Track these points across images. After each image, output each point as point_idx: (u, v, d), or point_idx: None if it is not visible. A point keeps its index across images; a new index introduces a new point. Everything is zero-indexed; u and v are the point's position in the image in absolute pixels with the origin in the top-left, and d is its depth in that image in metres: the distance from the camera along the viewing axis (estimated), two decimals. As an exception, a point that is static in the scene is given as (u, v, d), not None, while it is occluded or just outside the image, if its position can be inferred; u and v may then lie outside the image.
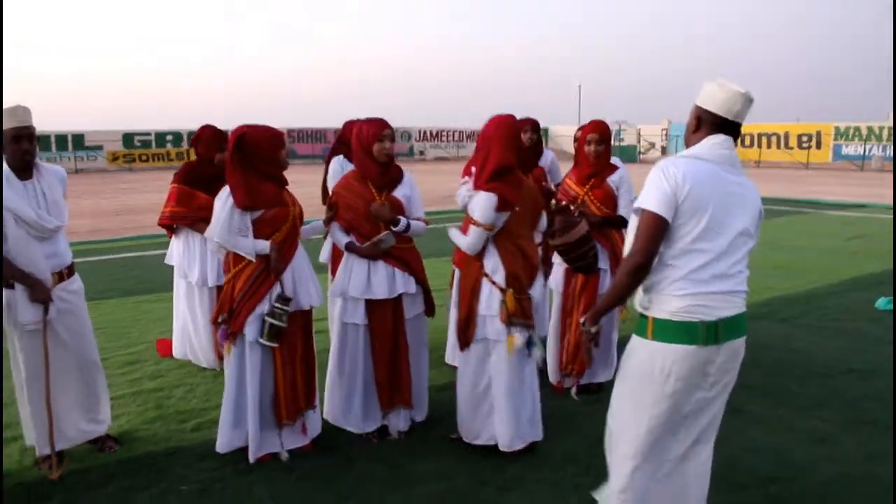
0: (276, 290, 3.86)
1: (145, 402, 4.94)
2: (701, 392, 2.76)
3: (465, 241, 3.85)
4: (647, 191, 2.70)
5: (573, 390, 4.93)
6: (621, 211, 4.77)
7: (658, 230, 2.65)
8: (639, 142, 42.82)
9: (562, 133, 47.53)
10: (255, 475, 3.84)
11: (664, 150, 42.75)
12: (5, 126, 3.67)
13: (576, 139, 5.07)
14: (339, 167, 5.11)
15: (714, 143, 2.73)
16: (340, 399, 4.26)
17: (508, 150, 3.78)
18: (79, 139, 33.37)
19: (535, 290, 3.93)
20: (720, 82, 2.76)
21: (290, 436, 4.06)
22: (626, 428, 2.88)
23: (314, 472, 3.88)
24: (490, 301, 3.84)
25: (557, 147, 46.91)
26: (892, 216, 13.00)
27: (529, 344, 3.83)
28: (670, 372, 2.70)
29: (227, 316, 3.88)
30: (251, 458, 3.93)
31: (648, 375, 2.74)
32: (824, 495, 3.60)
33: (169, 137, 35.28)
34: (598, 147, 4.71)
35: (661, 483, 2.89)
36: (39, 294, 3.73)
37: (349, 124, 5.07)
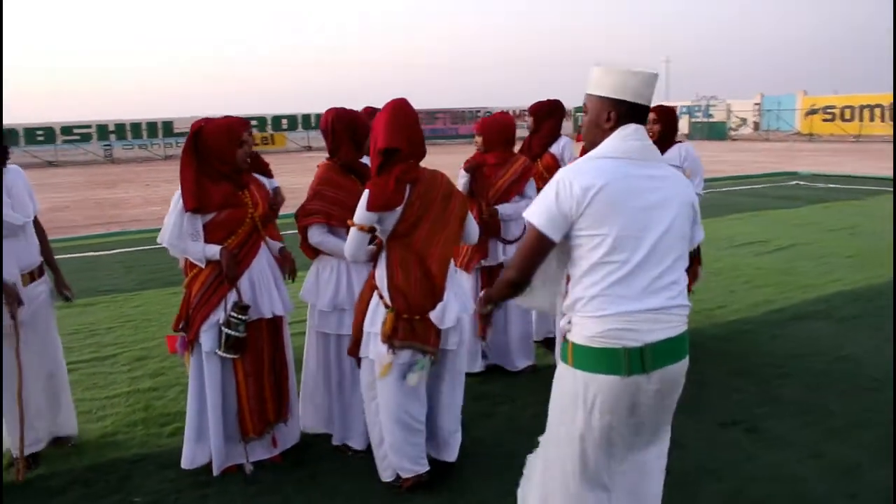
0: (233, 297, 3.61)
1: (136, 402, 4.83)
2: (633, 419, 2.40)
3: (346, 245, 3.42)
4: (538, 202, 2.39)
5: None
6: None
7: (540, 248, 2.37)
8: (728, 118, 40.95)
9: (649, 110, 46.12)
10: (213, 489, 3.64)
11: (756, 126, 40.86)
12: None
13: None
14: None
15: (621, 137, 2.38)
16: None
17: (392, 132, 3.29)
18: (168, 126, 34.45)
19: (435, 313, 3.36)
20: (607, 65, 2.43)
21: (256, 448, 3.84)
22: (557, 461, 2.51)
23: (275, 487, 3.65)
24: (374, 317, 3.40)
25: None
26: None
27: (413, 369, 3.37)
28: (594, 403, 2.35)
29: (185, 324, 3.68)
30: (215, 472, 3.73)
31: (572, 403, 2.40)
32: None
33: (254, 123, 36.10)
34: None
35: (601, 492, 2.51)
36: (10, 299, 3.66)
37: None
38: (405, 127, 3.31)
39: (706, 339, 5.61)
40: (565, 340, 2.43)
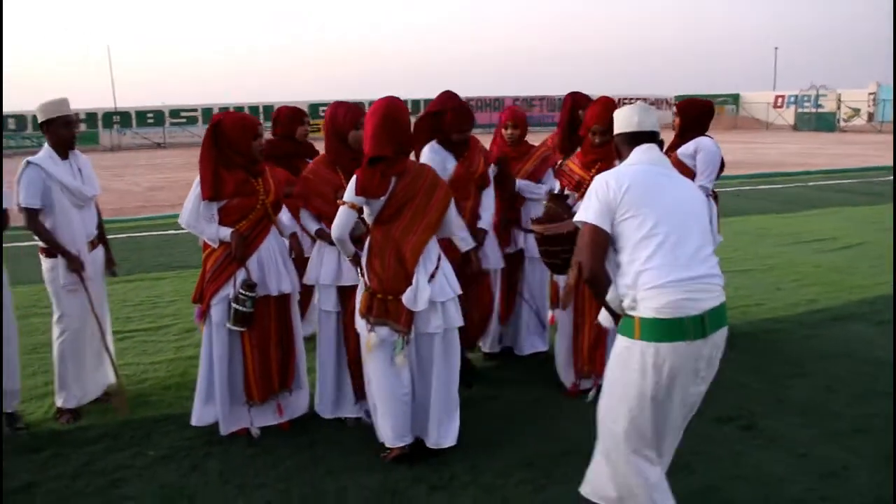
0: (242, 275, 3.94)
1: (176, 369, 5.29)
2: (692, 387, 2.79)
3: (334, 223, 3.68)
4: (584, 205, 2.86)
5: (591, 393, 4.60)
6: None
7: (598, 239, 2.79)
8: (839, 108, 38.97)
9: (755, 100, 44.45)
10: (217, 448, 4.01)
11: (871, 117, 38.73)
12: (57, 114, 4.36)
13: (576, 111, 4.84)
14: (439, 157, 4.47)
15: (639, 152, 2.95)
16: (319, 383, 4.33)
17: (382, 139, 3.57)
18: (269, 110, 35.72)
19: (407, 296, 3.59)
20: (618, 110, 3.11)
21: (261, 414, 4.17)
22: (620, 431, 2.82)
23: (272, 450, 3.97)
24: (359, 295, 3.71)
25: (750, 115, 43.96)
26: None
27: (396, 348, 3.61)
28: (663, 370, 2.68)
29: (200, 297, 4.04)
30: (222, 432, 4.09)
31: (639, 375, 2.72)
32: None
33: (324, 109, 36.96)
34: (604, 137, 4.35)
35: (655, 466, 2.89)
36: (73, 265, 4.31)
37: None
38: (393, 134, 3.58)
39: (731, 336, 5.57)
40: (630, 317, 2.73)
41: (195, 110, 35.28)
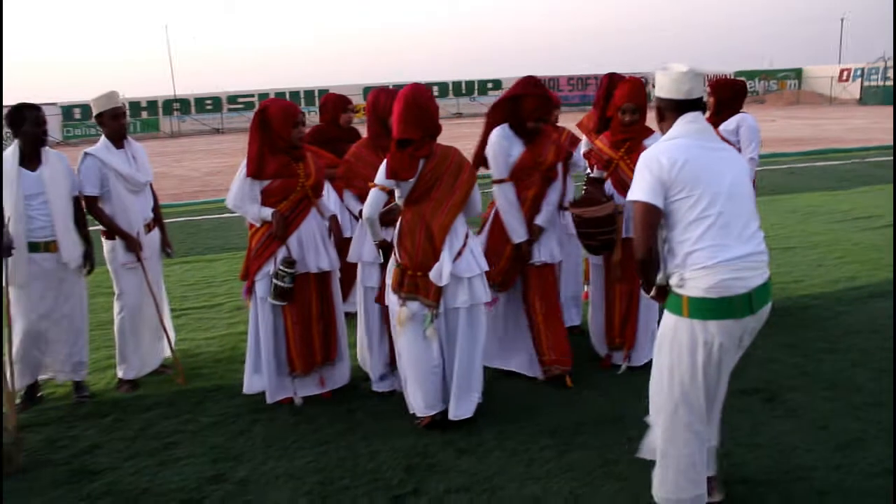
0: (282, 253, 4.21)
1: (227, 343, 5.63)
2: (733, 356, 2.95)
3: (365, 204, 3.94)
4: (636, 183, 2.89)
5: (623, 366, 4.77)
6: None
7: (651, 218, 2.83)
8: (908, 82, 37.57)
9: (818, 75, 43.17)
10: (263, 415, 4.31)
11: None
12: (106, 107, 4.72)
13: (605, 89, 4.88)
14: (507, 142, 4.41)
15: (684, 122, 2.92)
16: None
17: (410, 124, 3.78)
18: (323, 93, 36.23)
19: (433, 272, 3.82)
20: (663, 68, 2.97)
21: (304, 384, 4.45)
22: (671, 403, 2.95)
23: (314, 419, 4.24)
24: (391, 271, 3.94)
25: (812, 90, 42.76)
26: None
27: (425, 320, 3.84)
28: (713, 345, 2.81)
29: (246, 273, 4.34)
30: (268, 401, 4.39)
31: (689, 352, 2.84)
32: None
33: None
34: (633, 116, 4.46)
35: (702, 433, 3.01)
36: (131, 246, 4.70)
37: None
38: (417, 118, 3.80)
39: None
40: (677, 295, 2.85)
41: (252, 96, 35.98)
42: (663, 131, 3.02)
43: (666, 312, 2.95)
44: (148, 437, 4.11)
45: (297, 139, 4.25)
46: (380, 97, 4.34)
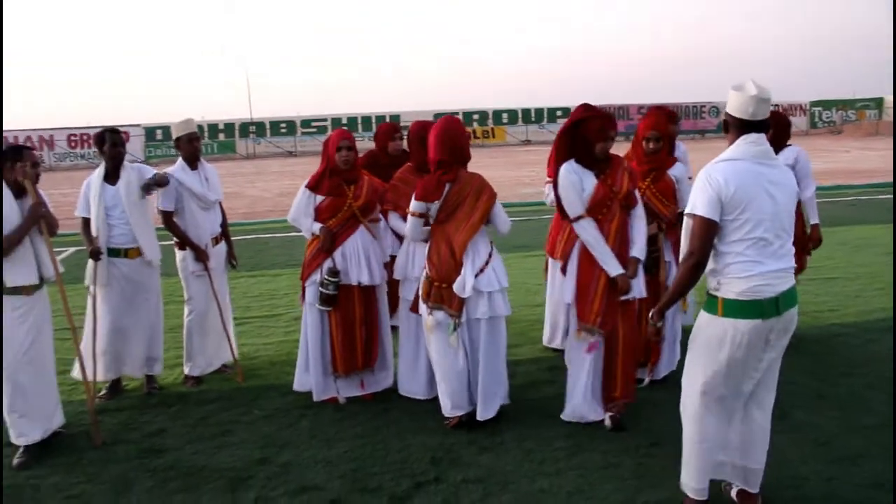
0: (328, 264, 4.71)
1: (283, 349, 6.16)
2: (764, 353, 3.25)
3: (406, 230, 4.47)
4: (694, 197, 3.20)
5: (646, 380, 5.06)
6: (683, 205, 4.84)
7: (709, 231, 3.16)
8: None
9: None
10: (310, 411, 4.79)
11: None
12: (183, 132, 5.37)
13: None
14: (577, 176, 4.29)
15: (746, 143, 3.20)
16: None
17: (442, 148, 4.27)
18: (395, 118, 37.18)
19: (456, 284, 4.22)
20: (737, 87, 3.22)
21: (346, 386, 4.92)
22: (698, 387, 3.32)
23: (354, 416, 4.71)
24: (422, 281, 4.40)
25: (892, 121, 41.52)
26: None
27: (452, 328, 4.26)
28: (741, 341, 3.17)
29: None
30: (315, 398, 4.89)
31: (718, 345, 3.21)
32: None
33: (475, 116, 38.15)
34: (657, 144, 4.81)
35: (735, 427, 3.40)
36: (199, 256, 5.29)
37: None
38: (449, 142, 4.31)
39: (794, 339, 5.84)
40: (713, 297, 3.24)
41: (325, 120, 37.13)
42: (729, 143, 3.30)
43: (702, 311, 3.32)
44: (207, 425, 4.64)
45: (342, 163, 4.75)
46: (424, 127, 4.81)
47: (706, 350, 3.26)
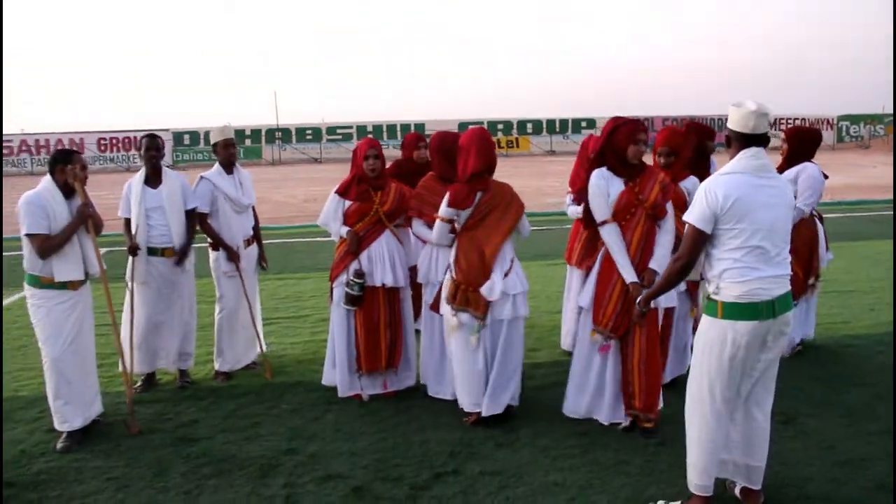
0: (354, 265, 4.95)
1: (309, 348, 6.42)
2: (761, 354, 3.45)
3: (432, 234, 4.65)
4: (692, 207, 3.46)
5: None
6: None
7: (699, 240, 3.43)
8: None
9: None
10: (335, 406, 5.02)
11: None
12: (220, 138, 5.65)
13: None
14: (604, 182, 4.44)
15: (746, 157, 3.41)
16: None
17: (480, 159, 4.47)
18: (420, 128, 37.41)
19: (485, 288, 4.44)
20: (737, 104, 3.45)
21: (370, 384, 5.15)
22: (704, 389, 3.51)
23: (378, 412, 4.93)
24: (446, 285, 4.59)
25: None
26: None
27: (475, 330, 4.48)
28: (740, 342, 3.37)
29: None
30: (340, 394, 5.12)
31: (720, 346, 3.41)
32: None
33: (500, 126, 38.41)
34: (668, 159, 4.98)
35: (736, 427, 3.59)
36: (231, 257, 5.54)
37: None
38: (486, 154, 4.54)
39: (806, 348, 6.02)
40: (713, 301, 3.44)
41: (350, 127, 37.56)
42: (730, 157, 3.50)
43: (703, 316, 3.52)
44: (237, 418, 4.88)
45: (369, 170, 4.99)
46: (446, 137, 5.03)
47: (709, 351, 3.44)
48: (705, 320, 3.48)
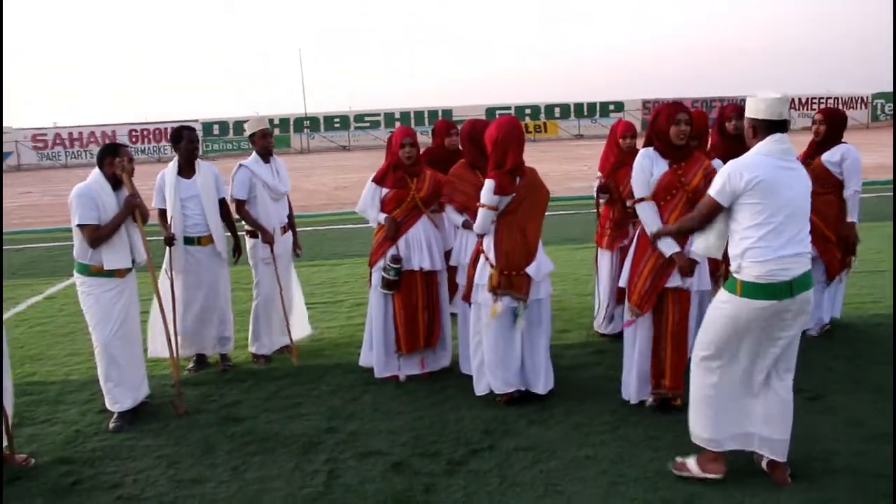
0: (392, 251, 5.10)
1: (346, 332, 6.63)
2: (780, 332, 3.57)
3: (476, 223, 4.68)
4: (716, 181, 3.64)
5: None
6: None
7: (713, 211, 3.64)
8: None
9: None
10: (372, 387, 5.20)
11: None
12: (257, 128, 5.83)
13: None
14: (649, 161, 4.49)
15: (772, 141, 3.57)
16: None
17: (517, 150, 4.63)
18: (448, 114, 37.50)
19: (531, 268, 4.61)
20: (763, 95, 3.61)
21: (408, 364, 5.31)
22: (705, 349, 3.70)
23: (414, 392, 5.09)
24: (482, 273, 4.71)
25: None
26: None
27: (516, 313, 4.63)
28: (754, 320, 3.53)
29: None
30: (376, 375, 5.30)
31: (734, 320, 3.58)
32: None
33: (527, 111, 38.35)
34: (692, 142, 5.00)
35: (759, 400, 3.71)
36: (267, 238, 5.69)
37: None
38: (520, 144, 4.69)
39: (835, 327, 6.07)
40: (733, 278, 3.59)
41: (378, 115, 37.79)
42: (750, 145, 3.66)
43: (722, 289, 3.67)
44: (279, 399, 5.08)
45: (405, 158, 5.13)
46: (476, 125, 5.14)
47: (721, 322, 3.61)
48: (723, 294, 3.64)
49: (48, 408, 5.09)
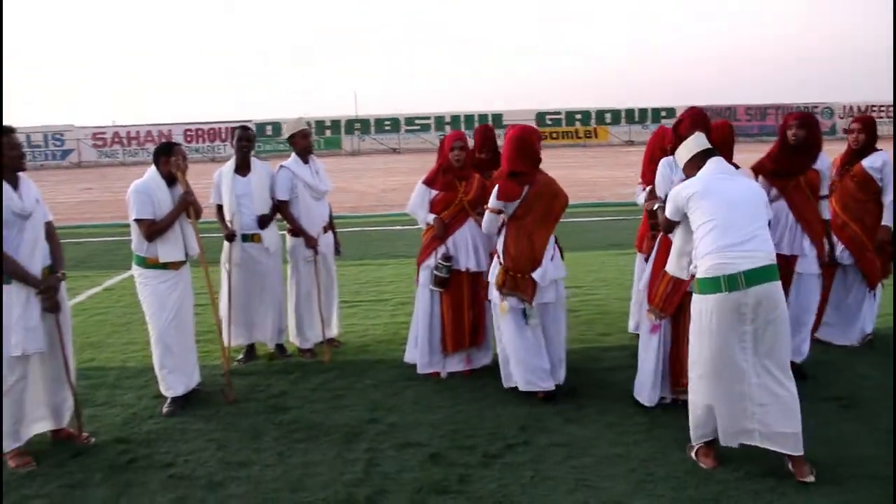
0: (442, 250, 5.28)
1: (389, 329, 6.80)
2: (743, 326, 3.72)
3: (482, 224, 4.95)
4: (668, 203, 4.16)
5: None
6: None
7: (670, 224, 4.24)
8: None
9: None
10: (414, 382, 5.37)
11: None
12: (296, 129, 6.04)
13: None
14: (668, 169, 4.85)
15: (711, 164, 4.07)
16: None
17: (520, 159, 4.78)
18: (497, 118, 37.64)
19: (537, 273, 4.75)
20: (685, 142, 4.24)
21: (452, 362, 5.47)
22: (697, 356, 3.91)
23: (454, 388, 5.25)
24: (493, 271, 4.91)
25: None
26: None
27: (525, 314, 4.80)
28: (713, 314, 3.75)
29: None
30: (419, 371, 5.47)
31: (698, 317, 3.84)
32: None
33: (578, 116, 38.33)
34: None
35: (749, 394, 3.77)
36: (310, 243, 5.91)
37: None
38: (525, 154, 4.84)
39: (872, 339, 6.02)
40: (696, 279, 3.87)
41: (428, 118, 38.10)
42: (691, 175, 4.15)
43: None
44: (324, 390, 5.28)
45: (455, 161, 5.30)
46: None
47: (696, 325, 3.86)
48: (694, 297, 3.92)
49: (107, 391, 5.37)
